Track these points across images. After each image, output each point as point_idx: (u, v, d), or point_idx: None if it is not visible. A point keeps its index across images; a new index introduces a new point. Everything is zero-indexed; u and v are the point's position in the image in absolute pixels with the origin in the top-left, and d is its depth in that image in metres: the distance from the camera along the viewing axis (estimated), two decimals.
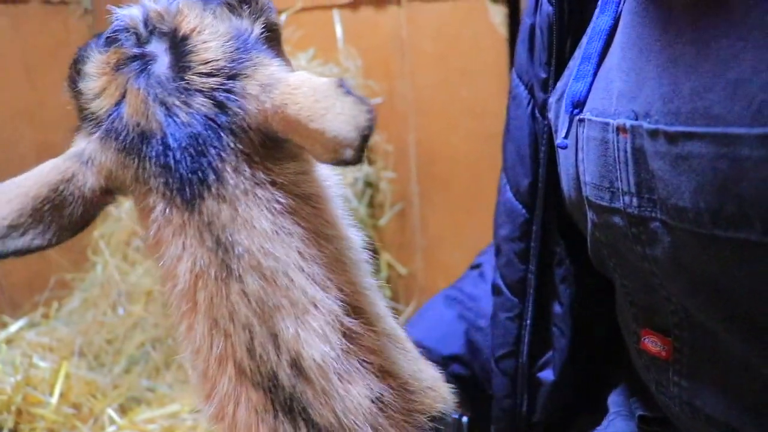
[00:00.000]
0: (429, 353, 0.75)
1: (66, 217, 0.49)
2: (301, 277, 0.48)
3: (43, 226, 0.48)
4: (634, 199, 0.47)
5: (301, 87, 0.45)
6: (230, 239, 0.47)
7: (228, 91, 0.47)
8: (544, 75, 0.64)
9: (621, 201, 0.49)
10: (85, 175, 0.49)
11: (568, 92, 0.57)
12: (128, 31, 0.50)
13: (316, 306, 0.48)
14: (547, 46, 0.63)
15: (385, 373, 0.50)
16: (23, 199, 0.48)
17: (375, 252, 1.93)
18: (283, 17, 1.85)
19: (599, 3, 0.56)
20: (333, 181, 0.54)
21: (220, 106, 0.47)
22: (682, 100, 0.41)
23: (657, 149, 0.43)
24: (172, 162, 0.47)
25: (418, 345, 0.78)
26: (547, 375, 0.69)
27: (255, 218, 0.47)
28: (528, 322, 0.68)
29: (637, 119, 0.46)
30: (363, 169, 1.77)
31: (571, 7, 0.61)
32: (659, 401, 0.56)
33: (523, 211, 0.67)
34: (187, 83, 0.48)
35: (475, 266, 0.86)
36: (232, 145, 0.47)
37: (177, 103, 0.47)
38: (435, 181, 1.78)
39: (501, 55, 1.60)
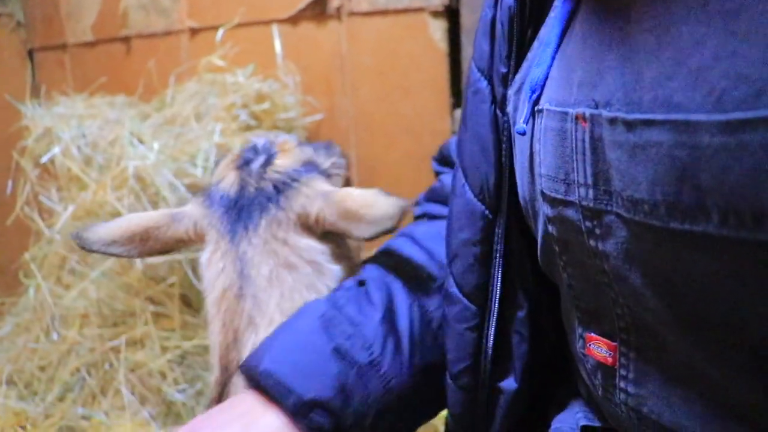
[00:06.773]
0: (286, 392, 0.61)
1: (147, 247, 0.77)
2: None
3: (130, 246, 0.77)
4: (590, 191, 0.46)
5: (353, 192, 0.76)
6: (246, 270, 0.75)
7: (284, 184, 0.79)
8: (504, 69, 0.62)
9: (576, 193, 0.48)
10: (170, 227, 0.78)
11: (529, 79, 0.56)
12: (252, 148, 0.85)
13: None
14: (508, 39, 0.62)
15: None
16: (125, 229, 0.76)
17: None
18: (220, 32, 1.82)
19: None
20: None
21: (276, 190, 0.78)
22: (644, 89, 0.41)
23: (615, 138, 0.43)
24: (233, 214, 0.78)
25: (270, 376, 0.62)
26: (509, 383, 0.66)
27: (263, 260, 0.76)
28: (492, 330, 0.65)
29: (597, 108, 0.45)
30: None
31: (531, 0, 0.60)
32: (605, 409, 0.55)
33: (486, 212, 0.64)
34: (263, 175, 0.80)
35: (361, 282, 0.74)
36: (273, 212, 0.77)
37: (252, 182, 0.79)
38: None
39: (440, 70, 1.60)
